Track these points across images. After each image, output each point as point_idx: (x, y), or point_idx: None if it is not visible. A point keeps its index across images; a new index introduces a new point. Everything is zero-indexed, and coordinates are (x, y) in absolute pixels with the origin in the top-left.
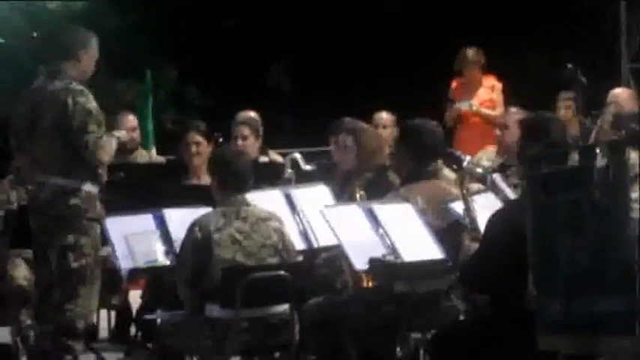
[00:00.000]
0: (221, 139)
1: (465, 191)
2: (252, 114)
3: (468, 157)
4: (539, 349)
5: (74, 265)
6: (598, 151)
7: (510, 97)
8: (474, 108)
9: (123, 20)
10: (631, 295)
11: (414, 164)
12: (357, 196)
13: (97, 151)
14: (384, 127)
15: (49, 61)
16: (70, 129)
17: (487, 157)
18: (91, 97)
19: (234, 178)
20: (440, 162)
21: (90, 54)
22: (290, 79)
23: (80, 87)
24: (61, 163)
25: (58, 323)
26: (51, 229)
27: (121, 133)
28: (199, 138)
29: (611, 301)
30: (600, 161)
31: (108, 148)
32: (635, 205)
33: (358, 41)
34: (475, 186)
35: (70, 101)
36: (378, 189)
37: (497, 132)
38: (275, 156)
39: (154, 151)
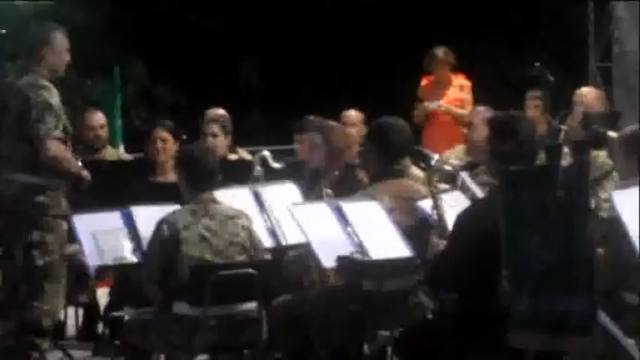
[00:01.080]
0: (184, 137)
1: (433, 189)
2: (222, 111)
3: (437, 156)
4: (508, 345)
5: (39, 262)
6: (565, 150)
7: (479, 96)
8: (443, 108)
9: (92, 17)
10: (590, 295)
11: (381, 163)
12: (325, 194)
13: (44, 147)
14: (353, 125)
15: (17, 57)
16: (29, 123)
17: (456, 155)
18: (54, 92)
19: (201, 175)
20: (408, 160)
21: (55, 50)
22: (260, 77)
23: (45, 83)
24: (26, 159)
25: (24, 321)
26: (16, 226)
27: (85, 174)
28: (165, 134)
29: (573, 300)
30: (566, 161)
31: (60, 149)
32: (605, 205)
33: (328, 38)
34: (443, 185)
35: (32, 95)
36: (346, 187)
37: (465, 130)
38: (244, 154)
39: (122, 148)
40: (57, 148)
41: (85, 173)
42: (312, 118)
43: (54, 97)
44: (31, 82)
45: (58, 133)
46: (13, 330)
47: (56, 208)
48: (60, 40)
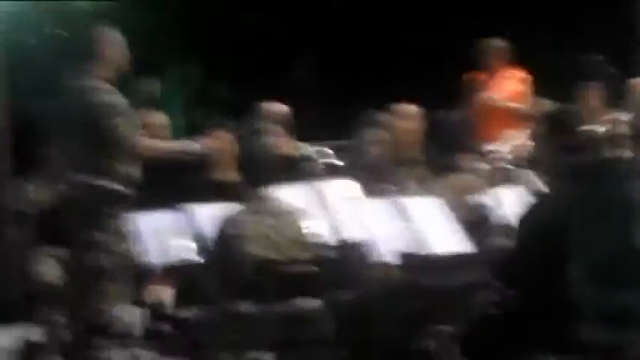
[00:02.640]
0: (244, 134)
1: (494, 186)
2: (280, 107)
3: (504, 148)
4: (577, 339)
5: (104, 262)
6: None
7: (538, 89)
8: (501, 101)
9: (150, 18)
10: None
11: (442, 157)
12: (390, 189)
13: (135, 146)
14: (410, 118)
15: (76, 60)
16: (101, 128)
17: (517, 147)
18: (118, 95)
19: (262, 173)
20: (469, 155)
21: (115, 51)
22: (316, 72)
23: (107, 86)
24: (92, 161)
25: (92, 321)
26: (83, 227)
27: (190, 145)
28: (224, 134)
29: (636, 293)
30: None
31: (150, 144)
32: None
33: (382, 33)
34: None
35: (96, 101)
36: (409, 183)
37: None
38: (305, 149)
39: None
40: (147, 145)
41: (193, 145)
42: (375, 113)
43: (120, 99)
44: (94, 86)
45: (134, 130)
46: (81, 330)
47: (121, 209)
48: (120, 41)
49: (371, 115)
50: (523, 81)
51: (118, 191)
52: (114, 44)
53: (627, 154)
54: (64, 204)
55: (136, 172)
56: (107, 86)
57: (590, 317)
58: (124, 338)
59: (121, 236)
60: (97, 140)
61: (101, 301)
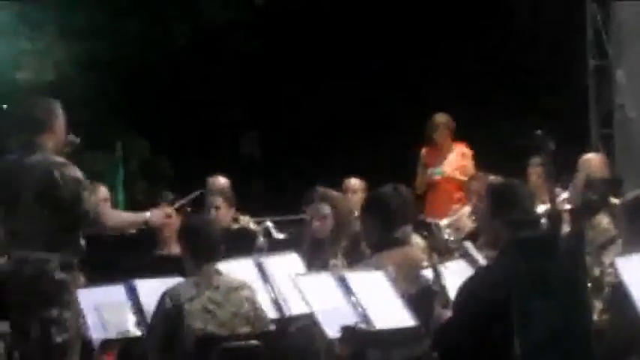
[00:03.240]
0: (189, 209)
1: (434, 259)
2: (224, 181)
3: (444, 221)
4: None
5: (58, 339)
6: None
7: (479, 163)
8: (448, 174)
9: (92, 92)
10: None
11: (382, 232)
12: (332, 264)
13: (99, 217)
14: (355, 192)
15: (21, 133)
16: (62, 202)
17: (460, 221)
18: (74, 167)
19: (205, 247)
20: (409, 228)
21: (61, 124)
22: (261, 148)
23: (61, 159)
24: (44, 237)
25: None
26: (35, 303)
27: (155, 215)
28: (167, 209)
29: None
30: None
31: (113, 215)
32: (609, 271)
33: (328, 109)
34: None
35: (56, 174)
36: (352, 257)
37: (473, 199)
38: (247, 222)
39: None
40: (110, 217)
41: (150, 215)
42: (320, 188)
43: (77, 172)
44: (48, 159)
45: (96, 202)
46: None
47: (74, 285)
48: (62, 115)
49: (314, 190)
50: (466, 155)
51: (69, 265)
52: (61, 118)
53: (568, 230)
54: (14, 281)
55: (83, 245)
56: (60, 159)
57: None
58: None
59: (75, 312)
60: (51, 215)
61: None
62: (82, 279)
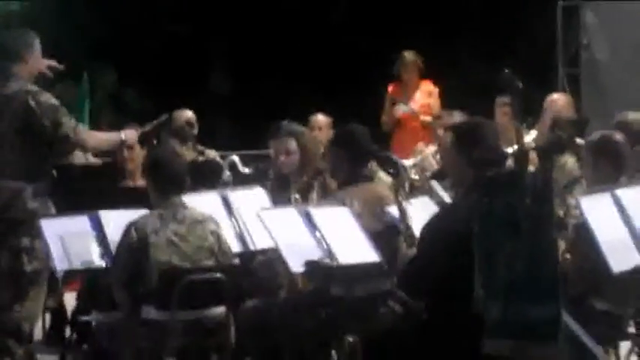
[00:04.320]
0: (155, 141)
1: (400, 197)
2: (189, 114)
3: (409, 161)
4: (480, 353)
5: (28, 267)
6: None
7: (447, 102)
8: (415, 112)
9: (61, 22)
10: (555, 303)
11: (350, 167)
12: (294, 199)
13: (80, 138)
14: (320, 129)
15: None
16: (41, 129)
17: (426, 159)
18: (49, 94)
19: (169, 180)
20: (374, 165)
21: (35, 55)
22: (229, 82)
23: (35, 87)
24: (18, 165)
25: (4, 325)
26: (6, 232)
27: (129, 134)
28: (131, 150)
29: (539, 307)
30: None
31: (92, 135)
32: (574, 211)
33: (298, 44)
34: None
35: (32, 103)
36: (314, 192)
37: (439, 131)
38: (212, 155)
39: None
40: (89, 137)
41: (124, 134)
42: (286, 123)
43: (52, 98)
44: (23, 89)
45: (78, 125)
46: None
47: (45, 214)
48: (38, 46)
49: (281, 125)
50: (433, 94)
51: (42, 194)
52: (37, 49)
53: (534, 169)
54: None
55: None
56: (35, 87)
57: (494, 331)
58: (30, 343)
59: (41, 240)
60: (28, 143)
61: (17, 306)
62: (52, 209)
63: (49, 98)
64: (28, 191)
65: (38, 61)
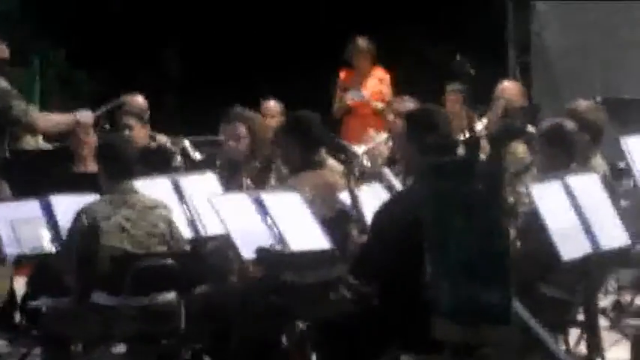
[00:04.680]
0: (107, 126)
1: (351, 184)
2: (139, 100)
3: (360, 149)
4: (430, 337)
5: None
6: (484, 144)
7: (400, 88)
8: (366, 99)
9: (9, 3)
10: (505, 288)
11: (300, 154)
12: (245, 185)
13: (31, 120)
14: (272, 116)
15: None
16: None
17: (377, 145)
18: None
19: (119, 164)
20: (323, 152)
21: None
22: (181, 65)
23: None
24: None
25: None
26: None
27: (84, 115)
28: (82, 134)
29: (490, 292)
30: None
31: (45, 116)
32: (524, 199)
33: (250, 28)
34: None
35: None
36: (265, 178)
37: (390, 118)
38: (163, 140)
39: (40, 137)
40: (41, 119)
41: (79, 115)
42: (237, 108)
43: (2, 81)
44: None
45: (30, 107)
46: None
47: (1, 192)
48: None
49: (232, 110)
50: (384, 81)
51: None
52: None
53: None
54: None
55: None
56: None
57: (443, 314)
58: None
59: None
60: None
61: None
62: (7, 189)
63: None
64: None
65: None
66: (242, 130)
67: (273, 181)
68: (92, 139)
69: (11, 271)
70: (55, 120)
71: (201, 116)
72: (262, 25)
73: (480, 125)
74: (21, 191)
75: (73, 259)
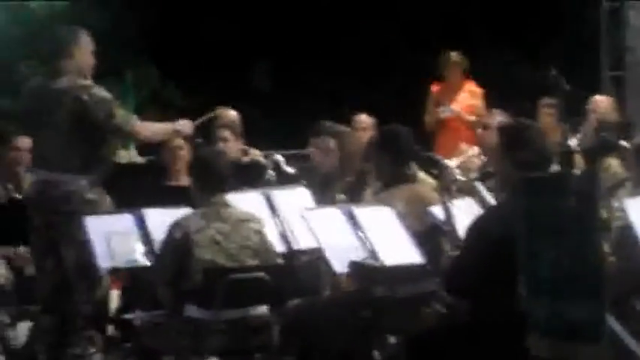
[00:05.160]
0: (199, 141)
1: (444, 198)
2: (233, 113)
3: (452, 162)
4: (523, 353)
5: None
6: (578, 158)
7: (491, 102)
8: (458, 113)
9: (104, 19)
10: (599, 303)
11: (393, 168)
12: (337, 199)
13: (133, 129)
14: (364, 129)
15: (43, 60)
16: (95, 122)
17: (469, 159)
18: (100, 87)
19: (213, 178)
20: (414, 166)
21: (84, 51)
22: (272, 80)
23: (87, 81)
24: (74, 159)
25: (84, 315)
26: (65, 224)
27: (183, 125)
28: (180, 142)
29: (583, 308)
30: (579, 169)
31: (145, 125)
32: (618, 213)
33: (340, 44)
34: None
35: (85, 96)
36: (358, 193)
37: (479, 131)
38: (256, 155)
39: (134, 151)
40: (143, 129)
41: (179, 125)
42: (326, 122)
43: (105, 91)
44: (74, 84)
45: (131, 116)
46: (59, 324)
47: (103, 204)
48: (87, 41)
49: (321, 124)
50: (476, 94)
51: (98, 185)
52: (84, 44)
53: (578, 170)
54: (39, 201)
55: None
56: (86, 82)
57: (537, 331)
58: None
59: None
60: (82, 136)
61: (89, 295)
62: (108, 199)
63: (101, 91)
64: (85, 183)
65: (87, 57)
66: (331, 144)
67: (368, 195)
68: (185, 152)
69: (108, 283)
70: (155, 129)
71: (294, 130)
72: (354, 40)
73: (573, 140)
74: (114, 204)
75: (166, 273)
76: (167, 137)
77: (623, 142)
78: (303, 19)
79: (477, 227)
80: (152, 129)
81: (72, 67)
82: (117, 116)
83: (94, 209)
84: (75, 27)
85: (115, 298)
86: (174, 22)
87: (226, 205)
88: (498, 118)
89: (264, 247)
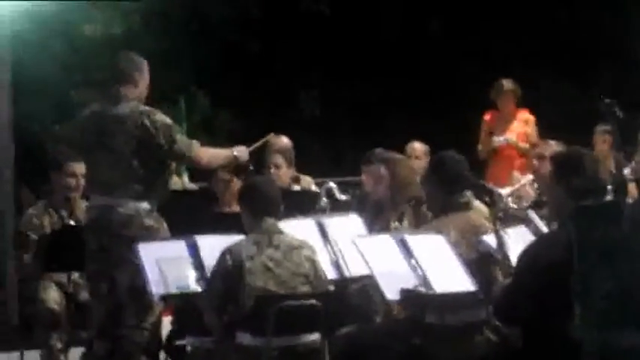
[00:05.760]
0: (251, 168)
1: (497, 226)
2: (285, 140)
3: (505, 190)
4: None
5: (123, 287)
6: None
7: (544, 130)
8: (512, 141)
9: (157, 46)
10: None
11: (444, 196)
12: (392, 226)
13: (194, 155)
14: (417, 157)
15: (99, 86)
16: (157, 147)
17: (524, 193)
18: (161, 112)
19: (264, 205)
20: (469, 193)
21: (144, 78)
22: (322, 106)
23: (148, 107)
24: (135, 184)
25: (136, 342)
26: (122, 249)
27: (240, 151)
28: (228, 176)
29: (637, 336)
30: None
31: (207, 151)
32: None
33: (392, 70)
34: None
35: (147, 122)
36: (411, 221)
37: (535, 162)
38: (308, 183)
39: (186, 177)
40: (204, 155)
41: (236, 150)
42: (378, 150)
43: (166, 117)
44: (136, 109)
45: (194, 143)
46: (111, 350)
47: (161, 230)
48: (147, 70)
49: (372, 152)
50: (530, 122)
51: (156, 211)
52: (145, 71)
53: (633, 198)
54: (96, 226)
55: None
56: (147, 107)
57: (590, 357)
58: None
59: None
60: (142, 162)
61: (145, 321)
62: (165, 224)
63: (162, 117)
64: (145, 208)
65: (146, 83)
66: (382, 171)
67: (417, 224)
68: (235, 185)
69: (160, 310)
70: (216, 154)
71: (345, 157)
72: (407, 68)
73: (627, 169)
74: (170, 230)
75: (215, 299)
76: (226, 163)
77: None
78: (352, 46)
79: (529, 255)
80: (212, 154)
81: (133, 93)
82: (179, 142)
83: (152, 235)
84: (136, 54)
85: (167, 324)
86: (225, 49)
87: (278, 231)
88: (553, 147)
89: (315, 274)
